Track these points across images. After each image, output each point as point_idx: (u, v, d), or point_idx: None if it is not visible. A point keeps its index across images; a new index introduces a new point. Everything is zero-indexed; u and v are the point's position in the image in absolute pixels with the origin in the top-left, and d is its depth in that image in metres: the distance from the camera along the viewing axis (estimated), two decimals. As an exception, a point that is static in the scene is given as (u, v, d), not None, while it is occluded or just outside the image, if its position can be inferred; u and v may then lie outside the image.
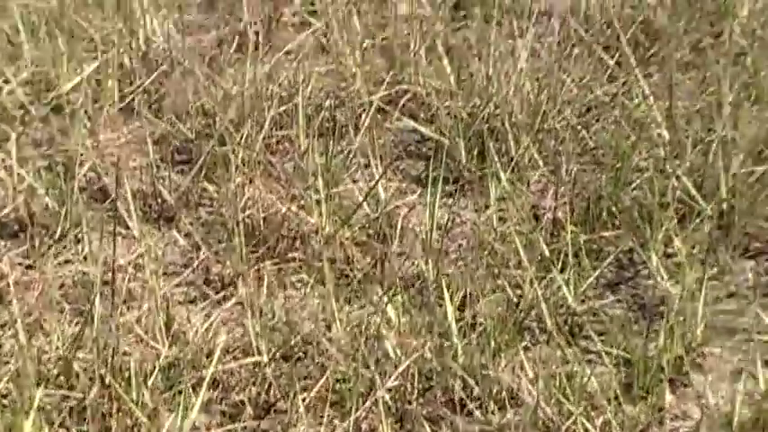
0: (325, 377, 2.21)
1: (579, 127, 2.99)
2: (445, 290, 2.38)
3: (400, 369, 2.17)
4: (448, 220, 2.70)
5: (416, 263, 2.57)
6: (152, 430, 2.13)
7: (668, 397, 2.22)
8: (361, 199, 2.69)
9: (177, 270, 2.59)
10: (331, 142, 2.81)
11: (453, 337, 2.29)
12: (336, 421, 2.18)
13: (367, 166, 2.87)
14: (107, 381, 2.18)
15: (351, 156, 2.89)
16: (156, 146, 2.93)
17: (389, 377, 2.18)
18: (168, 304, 2.38)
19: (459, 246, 2.67)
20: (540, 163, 2.87)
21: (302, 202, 2.70)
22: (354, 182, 2.85)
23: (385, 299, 2.36)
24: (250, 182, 2.72)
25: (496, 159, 2.82)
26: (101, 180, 2.82)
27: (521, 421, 2.18)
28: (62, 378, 2.23)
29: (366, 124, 2.94)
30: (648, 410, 2.18)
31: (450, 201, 2.79)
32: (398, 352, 2.25)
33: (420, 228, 2.67)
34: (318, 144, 2.84)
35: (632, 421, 2.17)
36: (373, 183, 2.72)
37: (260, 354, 2.27)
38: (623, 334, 2.36)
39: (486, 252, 2.57)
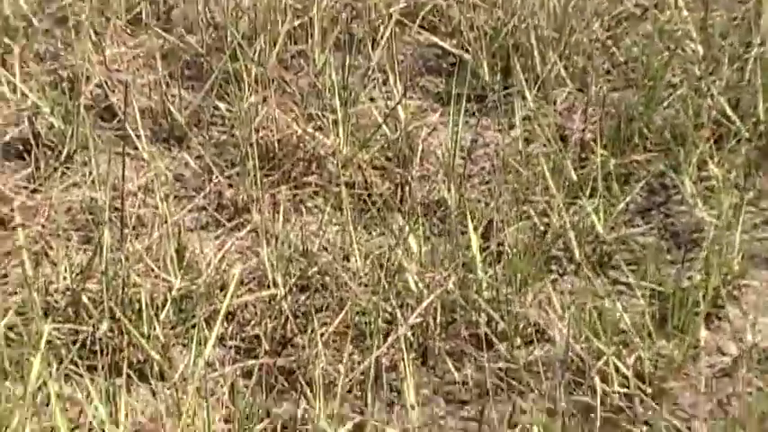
0: (344, 311, 2.11)
1: (608, 42, 2.85)
2: (468, 217, 2.27)
3: (423, 305, 2.06)
4: (471, 141, 2.58)
5: (438, 188, 2.46)
6: (164, 366, 2.04)
7: (703, 332, 2.12)
8: (380, 119, 2.56)
9: (189, 194, 2.48)
10: (347, 58, 2.67)
11: (477, 268, 2.19)
12: (356, 357, 2.08)
13: (385, 82, 2.73)
14: (117, 314, 2.09)
15: (368, 72, 2.76)
16: (164, 61, 2.80)
17: (411, 312, 2.08)
18: (180, 231, 2.28)
19: (483, 169, 2.55)
20: (568, 81, 2.73)
21: (318, 122, 2.58)
22: (372, 100, 2.72)
23: (406, 228, 2.26)
24: (264, 100, 2.59)
25: (521, 77, 2.69)
26: (108, 98, 2.70)
27: (548, 359, 2.08)
28: (70, 311, 2.14)
29: (384, 38, 2.79)
30: (683, 347, 2.08)
31: (473, 120, 2.67)
32: (420, 285, 2.15)
33: (441, 150, 2.55)
34: (334, 60, 2.70)
35: (666, 358, 2.07)
36: (394, 103, 2.59)
37: (276, 286, 2.17)
38: (655, 264, 2.25)
39: (510, 176, 2.46)
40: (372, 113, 2.63)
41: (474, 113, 2.70)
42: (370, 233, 2.38)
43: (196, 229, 2.40)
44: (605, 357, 2.02)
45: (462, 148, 2.55)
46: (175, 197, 2.46)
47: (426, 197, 2.45)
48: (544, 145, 2.54)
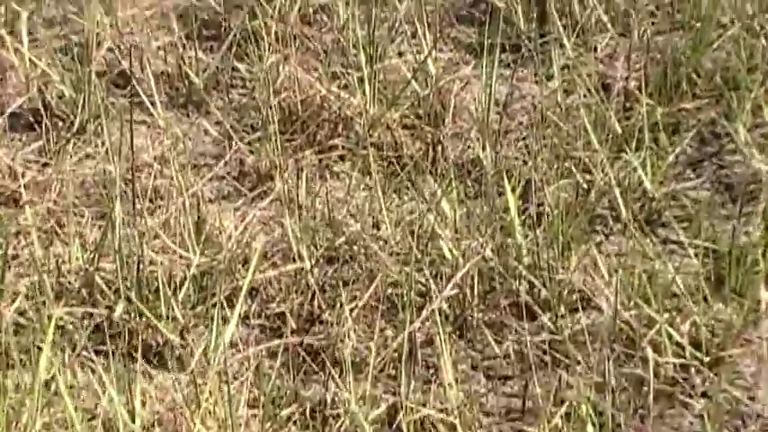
0: (374, 284, 1.96)
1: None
2: (505, 178, 2.11)
3: (459, 275, 1.91)
4: (507, 95, 2.41)
5: (472, 146, 2.30)
6: (184, 348, 1.91)
7: (764, 294, 1.95)
8: (409, 75, 2.40)
9: (208, 162, 2.34)
10: (373, 10, 2.51)
11: (516, 232, 2.03)
12: (389, 332, 1.94)
13: (414, 35, 2.57)
14: (132, 295, 1.96)
15: (395, 25, 2.59)
16: (180, 21, 2.65)
17: (446, 283, 1.93)
18: (199, 203, 2.14)
19: (520, 124, 2.39)
20: (609, 25, 2.55)
21: (343, 81, 2.42)
22: (400, 55, 2.56)
23: (439, 192, 2.10)
24: (285, 59, 2.44)
25: (558, 23, 2.52)
26: (121, 63, 2.56)
27: (595, 328, 1.93)
28: (84, 292, 2.01)
29: (412, -13, 2.63)
30: (742, 310, 1.92)
31: (508, 72, 2.50)
32: (455, 252, 2.00)
33: (475, 105, 2.39)
34: (359, 13, 2.54)
35: (723, 324, 1.91)
36: (423, 57, 2.43)
37: (301, 259, 2.03)
38: (709, 220, 2.09)
39: (549, 131, 2.29)
40: (401, 69, 2.47)
41: (509, 64, 2.53)
42: (401, 198, 2.23)
43: (217, 200, 2.26)
44: (657, 325, 1.86)
45: (497, 103, 2.39)
46: (194, 166, 2.32)
47: (460, 157, 2.29)
48: (585, 96, 2.38)
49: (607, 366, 1.80)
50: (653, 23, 2.58)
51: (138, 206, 2.11)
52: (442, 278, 1.97)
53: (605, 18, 2.55)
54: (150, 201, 2.21)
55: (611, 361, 1.81)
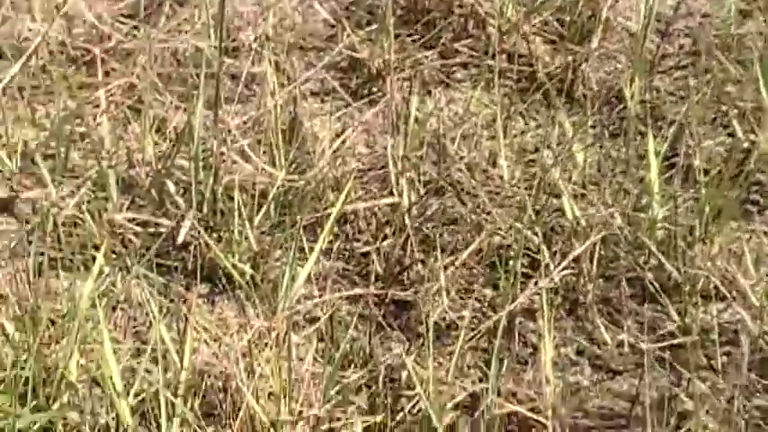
0: (478, 241, 1.69)
1: None
2: (649, 119, 1.78)
3: (577, 251, 1.62)
4: (672, 11, 2.05)
5: (620, 76, 1.96)
6: (256, 280, 1.67)
7: None
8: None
9: (317, 46, 2.05)
10: None
11: (653, 197, 1.72)
12: (486, 298, 1.68)
13: None
14: (204, 208, 1.72)
15: None
16: None
17: (562, 253, 1.65)
18: (296, 100, 1.87)
19: (680, 49, 2.04)
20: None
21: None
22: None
23: (570, 130, 1.79)
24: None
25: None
26: None
27: (734, 328, 1.63)
28: (153, 193, 1.77)
29: None
30: None
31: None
32: (578, 213, 1.70)
33: (629, 21, 2.04)
34: None
35: None
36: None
37: (400, 192, 1.75)
38: None
39: (716, 64, 1.94)
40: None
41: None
42: (527, 123, 1.92)
43: (318, 95, 1.98)
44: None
45: (659, 17, 2.03)
46: (300, 48, 2.04)
47: (603, 85, 1.96)
48: (765, 21, 2.01)
49: (739, 386, 1.51)
50: None
51: (223, 98, 1.84)
52: (558, 243, 1.69)
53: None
54: (246, 86, 1.95)
55: (746, 377, 1.52)
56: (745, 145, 1.83)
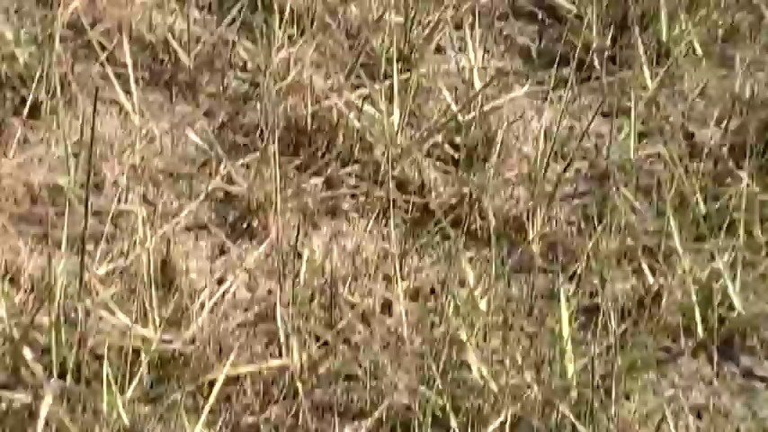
0: (379, 411, 1.53)
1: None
2: (555, 259, 1.67)
3: (490, 429, 1.48)
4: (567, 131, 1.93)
5: (518, 204, 1.84)
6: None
7: None
8: (449, 99, 1.93)
9: (190, 173, 1.86)
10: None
11: (565, 352, 1.59)
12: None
13: (458, 26, 2.08)
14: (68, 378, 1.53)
15: (436, 24, 2.10)
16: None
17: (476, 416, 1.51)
18: (169, 244, 1.69)
19: (578, 173, 1.93)
20: (701, 54, 2.07)
21: (367, 89, 1.94)
22: (438, 50, 2.08)
23: (468, 268, 1.66)
24: (290, 39, 1.95)
25: (639, 40, 2.04)
26: (93, 26, 2.05)
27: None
28: (8, 361, 1.56)
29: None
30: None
31: (570, 95, 2.02)
32: (484, 372, 1.56)
33: (528, 143, 1.92)
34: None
35: None
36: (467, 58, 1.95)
37: (289, 351, 1.59)
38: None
39: (614, 194, 1.83)
40: (438, 76, 1.99)
41: (572, 84, 2.05)
42: (422, 259, 1.78)
43: (192, 230, 1.80)
44: None
45: (553, 138, 1.91)
46: (170, 175, 1.86)
47: (501, 214, 1.83)
48: (666, 144, 1.92)
49: None
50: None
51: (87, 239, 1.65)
52: (466, 401, 1.55)
53: (698, 45, 2.06)
54: (113, 223, 1.76)
55: None
56: (655, 288, 1.72)
